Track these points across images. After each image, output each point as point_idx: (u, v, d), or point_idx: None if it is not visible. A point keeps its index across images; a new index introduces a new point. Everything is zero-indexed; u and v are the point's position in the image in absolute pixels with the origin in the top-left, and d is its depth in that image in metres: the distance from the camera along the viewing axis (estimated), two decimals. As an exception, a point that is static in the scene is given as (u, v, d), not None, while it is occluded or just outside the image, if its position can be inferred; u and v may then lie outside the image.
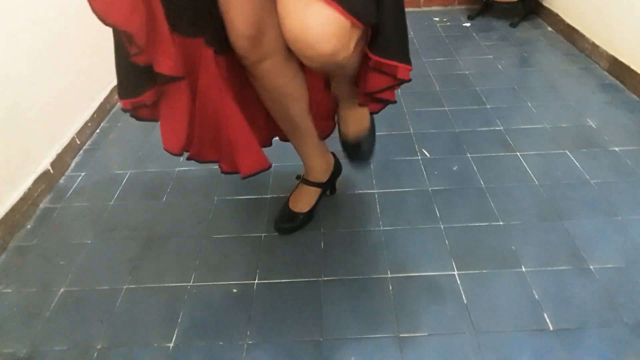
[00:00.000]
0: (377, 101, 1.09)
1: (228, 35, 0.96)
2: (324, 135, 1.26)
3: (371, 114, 1.21)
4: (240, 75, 1.08)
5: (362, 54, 0.95)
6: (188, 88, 1.00)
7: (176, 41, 0.92)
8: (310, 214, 1.29)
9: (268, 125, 1.22)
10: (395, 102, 1.08)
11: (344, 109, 1.18)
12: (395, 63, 0.93)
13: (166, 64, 0.91)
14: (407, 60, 0.95)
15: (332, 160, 1.31)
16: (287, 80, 1.07)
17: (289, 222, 1.27)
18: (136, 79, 0.94)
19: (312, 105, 1.16)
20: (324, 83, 1.17)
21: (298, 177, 1.31)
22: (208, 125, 1.06)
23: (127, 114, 1.01)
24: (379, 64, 0.93)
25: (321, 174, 1.28)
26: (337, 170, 1.34)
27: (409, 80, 0.96)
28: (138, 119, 1.02)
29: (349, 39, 0.80)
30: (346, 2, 0.76)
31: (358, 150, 1.21)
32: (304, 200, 1.28)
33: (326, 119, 1.24)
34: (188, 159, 1.11)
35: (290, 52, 0.99)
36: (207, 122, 1.05)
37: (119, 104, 1.90)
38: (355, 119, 1.18)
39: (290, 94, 1.09)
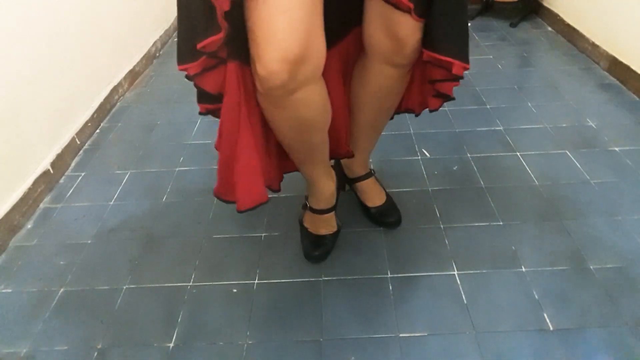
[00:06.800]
0: (437, 96, 1.02)
1: (258, 58, 0.76)
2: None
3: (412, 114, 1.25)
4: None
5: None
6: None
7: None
8: (338, 231, 1.21)
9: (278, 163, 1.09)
10: (454, 98, 1.01)
11: (364, 184, 1.25)
12: (448, 59, 0.86)
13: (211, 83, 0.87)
14: (462, 57, 0.87)
15: (334, 176, 1.18)
16: (317, 110, 0.90)
17: (319, 248, 1.17)
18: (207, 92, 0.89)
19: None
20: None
21: (304, 206, 1.20)
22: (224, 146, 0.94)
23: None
24: (433, 58, 0.89)
25: (329, 197, 1.16)
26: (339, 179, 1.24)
27: (462, 77, 0.91)
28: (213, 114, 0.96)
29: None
30: (421, 9, 0.84)
31: (387, 220, 1.25)
32: (327, 224, 1.19)
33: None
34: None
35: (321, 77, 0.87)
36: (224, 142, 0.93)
37: (119, 104, 1.91)
38: (376, 191, 1.26)
39: (317, 123, 0.93)
